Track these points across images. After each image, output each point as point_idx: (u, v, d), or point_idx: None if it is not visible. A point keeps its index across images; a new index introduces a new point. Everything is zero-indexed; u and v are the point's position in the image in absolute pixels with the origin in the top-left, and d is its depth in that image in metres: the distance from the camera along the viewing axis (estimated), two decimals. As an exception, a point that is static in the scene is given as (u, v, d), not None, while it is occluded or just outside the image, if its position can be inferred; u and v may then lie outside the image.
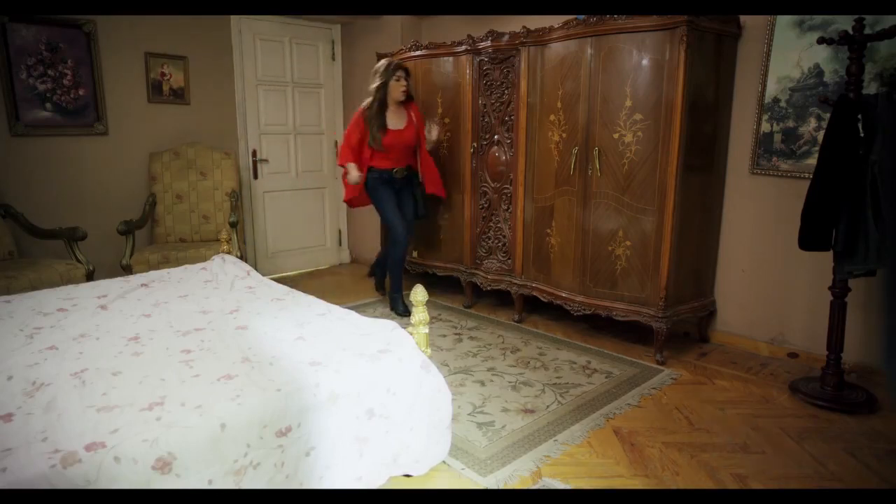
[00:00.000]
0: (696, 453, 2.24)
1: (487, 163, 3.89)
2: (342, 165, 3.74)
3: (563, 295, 3.47)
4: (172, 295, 2.61)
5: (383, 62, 3.70)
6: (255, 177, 4.90)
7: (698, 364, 3.13)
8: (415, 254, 4.42)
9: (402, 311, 3.91)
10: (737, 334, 3.37)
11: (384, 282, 4.27)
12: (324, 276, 5.17)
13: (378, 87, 3.62)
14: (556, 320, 3.79)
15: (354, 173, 3.65)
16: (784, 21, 2.99)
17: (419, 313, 2.06)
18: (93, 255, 3.59)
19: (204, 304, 2.49)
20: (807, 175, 2.85)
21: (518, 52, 3.57)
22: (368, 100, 3.66)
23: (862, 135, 2.43)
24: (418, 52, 4.12)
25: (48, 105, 3.79)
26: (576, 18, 3.26)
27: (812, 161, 2.89)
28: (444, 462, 2.11)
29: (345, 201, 3.96)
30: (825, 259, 2.71)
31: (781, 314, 3.19)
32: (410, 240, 3.99)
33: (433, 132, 4.04)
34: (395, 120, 3.71)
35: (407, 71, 3.71)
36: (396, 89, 3.64)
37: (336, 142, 5.40)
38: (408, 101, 3.77)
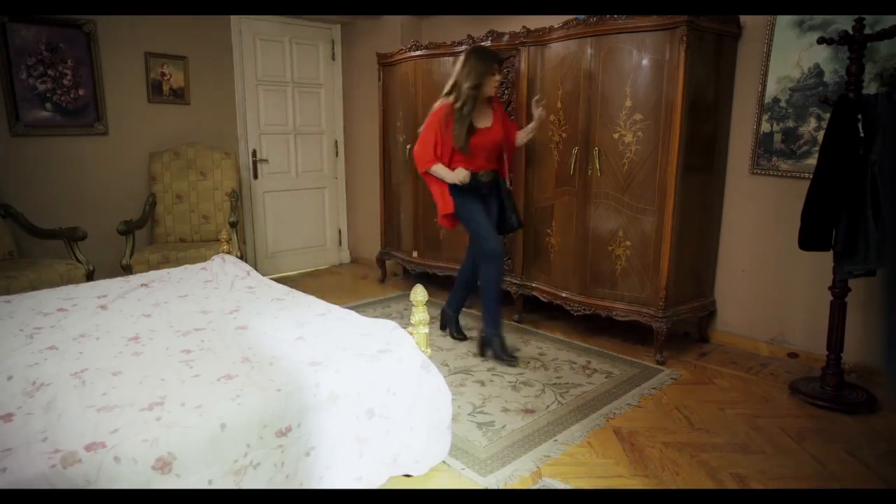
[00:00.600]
0: (696, 453, 2.24)
1: (487, 163, 3.88)
2: (425, 172, 3.12)
3: (563, 295, 3.47)
4: (172, 295, 2.61)
5: (473, 51, 3.07)
6: (255, 177, 4.90)
7: (698, 364, 3.13)
8: (415, 254, 4.42)
9: (500, 352, 3.11)
10: (737, 334, 3.37)
11: (458, 318, 3.48)
12: (324, 276, 5.17)
13: (475, 84, 2.98)
14: (556, 320, 3.79)
15: (462, 171, 3.03)
16: (784, 21, 2.99)
17: (419, 313, 2.06)
18: (93, 255, 3.59)
19: (204, 304, 2.49)
20: (807, 175, 2.85)
21: (518, 52, 3.57)
22: (453, 96, 3.04)
23: (862, 135, 2.43)
24: (418, 52, 4.12)
25: (48, 105, 3.79)
26: (576, 18, 3.26)
27: (812, 161, 2.89)
28: (444, 462, 2.11)
29: (443, 222, 3.22)
30: (825, 259, 2.71)
31: (781, 314, 3.19)
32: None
33: (537, 110, 3.20)
34: (481, 117, 3.12)
35: (502, 63, 3.16)
36: (491, 85, 3.04)
37: (336, 141, 5.40)
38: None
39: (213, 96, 4.53)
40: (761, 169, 3.15)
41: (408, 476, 2.01)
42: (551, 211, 3.54)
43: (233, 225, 3.86)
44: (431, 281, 4.53)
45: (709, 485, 2.04)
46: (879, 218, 2.37)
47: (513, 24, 3.80)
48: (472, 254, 3.27)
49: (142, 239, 4.09)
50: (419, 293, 2.04)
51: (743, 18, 3.13)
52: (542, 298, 3.65)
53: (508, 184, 3.33)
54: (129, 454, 1.36)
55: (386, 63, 4.47)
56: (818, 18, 2.87)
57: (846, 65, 2.54)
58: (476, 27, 4.18)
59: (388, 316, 3.87)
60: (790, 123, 3.03)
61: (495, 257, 3.10)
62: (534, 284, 3.70)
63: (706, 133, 3.10)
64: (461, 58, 3.11)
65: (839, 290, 2.64)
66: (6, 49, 3.59)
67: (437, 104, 3.15)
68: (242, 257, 3.83)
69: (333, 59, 5.27)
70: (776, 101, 3.06)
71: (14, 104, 3.65)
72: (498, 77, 3.06)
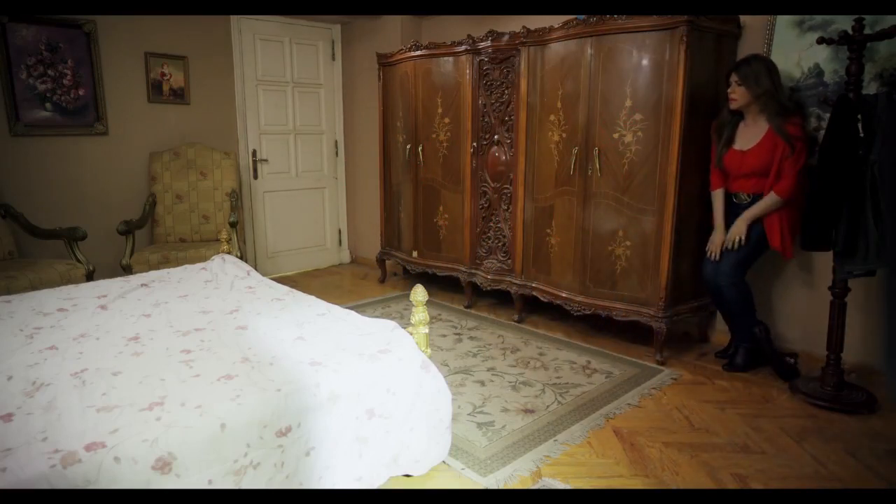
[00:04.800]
0: (696, 453, 2.24)
1: (487, 163, 3.89)
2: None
3: (563, 295, 3.47)
4: (172, 295, 2.61)
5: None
6: (255, 177, 4.90)
7: (698, 364, 3.13)
8: (414, 254, 4.43)
9: (738, 363, 3.02)
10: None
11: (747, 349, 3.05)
12: (324, 276, 5.17)
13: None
14: (556, 320, 3.79)
15: (717, 218, 3.00)
16: (784, 21, 2.99)
17: (419, 313, 2.06)
18: (93, 255, 3.59)
19: (204, 304, 2.49)
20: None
21: (518, 52, 3.57)
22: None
23: (862, 135, 2.43)
24: (418, 52, 4.12)
25: (48, 105, 3.79)
26: (576, 18, 3.26)
27: (812, 161, 2.88)
28: (444, 462, 2.11)
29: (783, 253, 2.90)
30: (825, 259, 2.71)
31: (781, 314, 3.19)
32: (732, 282, 2.94)
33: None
34: (746, 137, 2.90)
35: (739, 70, 2.82)
36: (730, 95, 2.88)
37: (336, 141, 5.41)
38: (779, 115, 2.77)
39: (213, 96, 4.54)
40: (761, 169, 3.14)
41: (408, 476, 2.01)
42: (551, 211, 3.54)
43: (233, 225, 3.87)
44: (431, 281, 4.54)
45: (709, 485, 2.04)
46: (879, 218, 2.38)
47: (513, 24, 3.80)
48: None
49: (142, 239, 4.09)
50: (419, 293, 2.04)
51: (743, 18, 3.13)
52: (542, 298, 3.65)
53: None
54: (129, 454, 1.36)
55: (386, 63, 4.47)
56: (818, 18, 2.87)
57: (846, 65, 2.54)
58: (476, 27, 4.19)
59: (388, 316, 3.87)
60: (790, 123, 3.02)
61: (704, 277, 3.08)
62: (534, 284, 3.70)
63: (706, 134, 3.10)
64: None
65: (839, 290, 2.64)
66: (6, 49, 3.60)
67: None
68: (242, 257, 3.83)
69: (333, 59, 5.27)
70: (776, 101, 3.05)
71: (14, 104, 3.66)
72: (732, 87, 2.85)
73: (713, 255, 3.02)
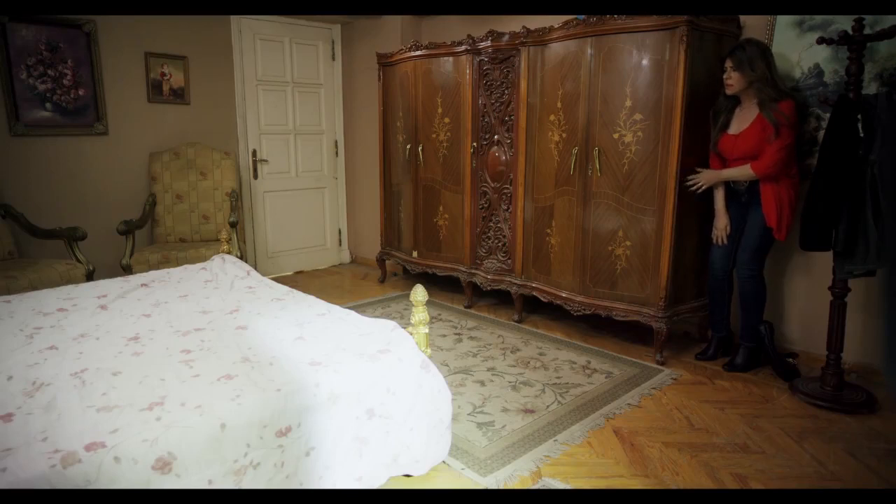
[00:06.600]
0: (696, 453, 2.24)
1: (487, 163, 3.89)
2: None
3: (563, 295, 3.47)
4: (172, 295, 2.61)
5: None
6: (255, 177, 4.91)
7: (698, 364, 3.13)
8: (415, 254, 4.43)
9: (739, 363, 3.03)
10: (736, 334, 3.36)
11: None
12: (324, 276, 5.17)
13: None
14: (556, 320, 3.79)
15: (718, 203, 3.01)
16: (784, 21, 2.99)
17: (419, 313, 2.06)
18: (93, 255, 3.59)
19: (204, 304, 2.49)
20: (807, 175, 2.85)
21: (518, 52, 3.57)
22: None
23: (862, 135, 2.43)
24: (418, 52, 4.12)
25: (48, 105, 3.79)
26: (576, 18, 3.27)
27: (812, 161, 2.89)
28: (444, 462, 2.11)
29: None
30: (825, 259, 2.71)
31: (781, 314, 3.19)
32: (752, 274, 2.94)
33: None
34: (739, 121, 2.92)
35: (733, 55, 2.81)
36: (725, 82, 2.89)
37: (336, 141, 5.40)
38: (770, 99, 2.75)
39: (213, 96, 4.54)
40: (761, 169, 3.14)
41: (408, 476, 2.01)
42: (551, 211, 3.54)
43: (233, 225, 3.87)
44: (431, 281, 4.54)
45: (709, 485, 2.04)
46: (879, 218, 2.38)
47: (513, 24, 3.81)
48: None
49: (142, 239, 4.09)
50: (419, 293, 2.04)
51: (743, 18, 3.13)
52: (542, 298, 3.65)
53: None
54: (129, 454, 1.36)
55: (386, 63, 4.47)
56: (818, 18, 2.87)
57: (846, 65, 2.54)
58: (476, 27, 4.19)
59: (388, 316, 3.87)
60: (790, 123, 3.02)
61: (711, 270, 3.13)
62: (534, 284, 3.70)
63: (706, 133, 3.10)
64: None
65: (839, 290, 2.64)
66: (6, 49, 3.60)
67: None
68: (242, 257, 3.83)
69: (333, 59, 5.27)
70: (776, 101, 3.05)
71: (14, 104, 3.66)
72: (727, 73, 2.84)
73: (719, 239, 3.04)
